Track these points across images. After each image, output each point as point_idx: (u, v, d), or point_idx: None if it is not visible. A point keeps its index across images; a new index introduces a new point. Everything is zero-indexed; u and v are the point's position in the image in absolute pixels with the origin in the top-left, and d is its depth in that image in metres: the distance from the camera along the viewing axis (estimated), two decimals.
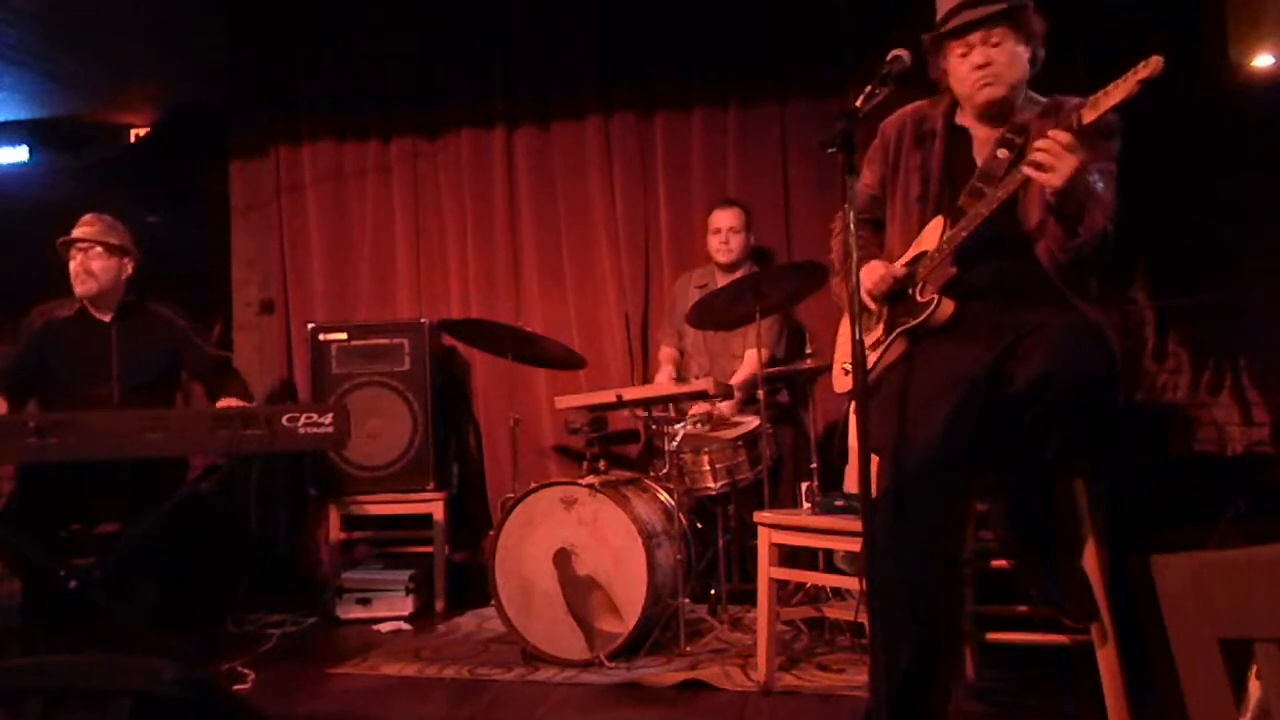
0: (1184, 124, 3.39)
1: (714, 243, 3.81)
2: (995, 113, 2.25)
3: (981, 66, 2.19)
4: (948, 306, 2.17)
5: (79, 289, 3.30)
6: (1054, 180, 1.93)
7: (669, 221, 4.26)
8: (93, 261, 3.29)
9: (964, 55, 2.21)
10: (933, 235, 2.23)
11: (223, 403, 3.21)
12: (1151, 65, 1.84)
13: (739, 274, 3.63)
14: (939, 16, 2.27)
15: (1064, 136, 1.92)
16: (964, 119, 2.32)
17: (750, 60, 4.18)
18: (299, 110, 4.61)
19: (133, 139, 5.26)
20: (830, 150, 1.81)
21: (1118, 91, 1.90)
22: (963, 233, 2.14)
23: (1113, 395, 2.06)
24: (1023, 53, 2.20)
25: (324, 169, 4.59)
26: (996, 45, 2.18)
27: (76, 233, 3.32)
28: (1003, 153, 2.19)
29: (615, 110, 4.32)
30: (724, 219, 3.79)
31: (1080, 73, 2.32)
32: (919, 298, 2.21)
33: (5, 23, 4.00)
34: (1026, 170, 1.98)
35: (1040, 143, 1.95)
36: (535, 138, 4.42)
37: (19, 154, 5.19)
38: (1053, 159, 1.92)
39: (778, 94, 4.17)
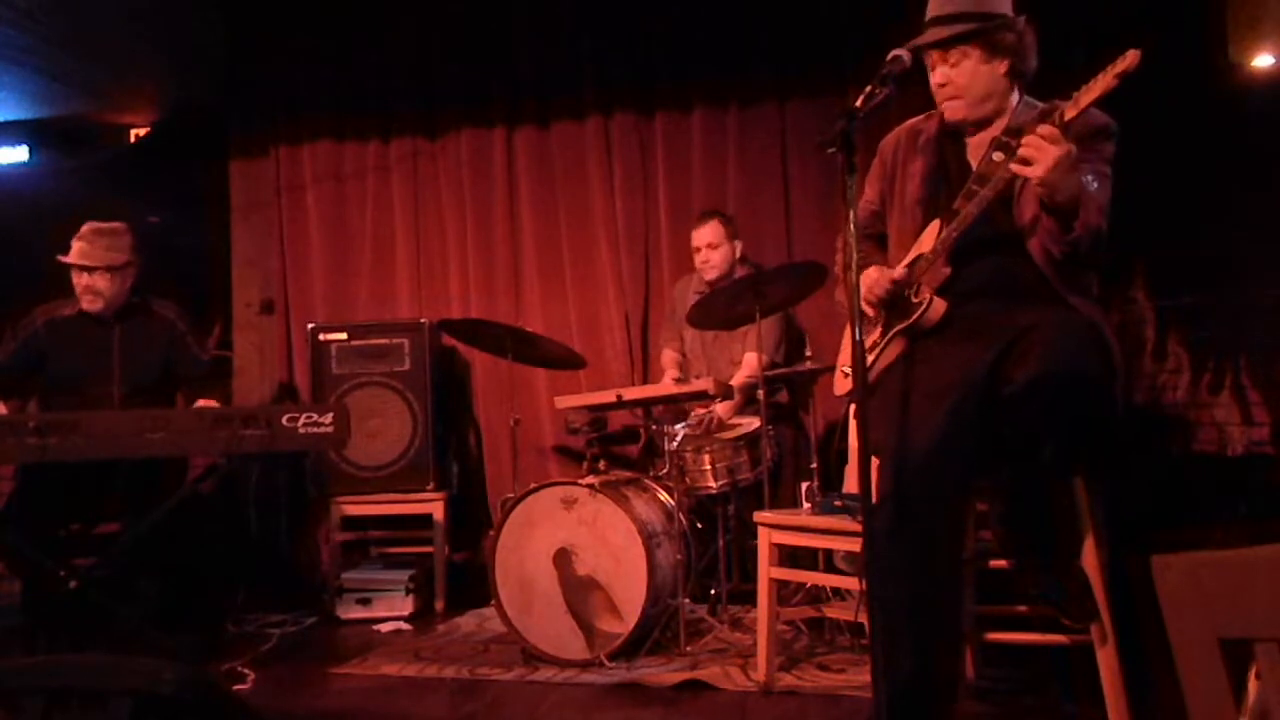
0: (1184, 124, 3.39)
1: (697, 260, 3.78)
2: (963, 129, 2.26)
3: (941, 85, 2.21)
4: (939, 306, 2.18)
5: (87, 307, 3.27)
6: (1036, 172, 1.93)
7: (669, 221, 4.26)
8: (98, 282, 3.24)
9: (933, 69, 2.23)
10: (930, 238, 2.24)
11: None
12: (1128, 59, 1.85)
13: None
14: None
15: (1046, 130, 1.93)
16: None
17: (750, 60, 4.18)
18: (299, 110, 4.61)
19: (133, 139, 5.26)
20: (830, 150, 1.81)
21: (1096, 87, 1.91)
22: (955, 233, 2.14)
23: (1111, 395, 2.06)
24: (992, 68, 2.19)
25: (324, 169, 4.58)
26: (954, 65, 2.19)
27: (78, 255, 3.23)
28: (998, 155, 2.19)
29: (615, 110, 4.32)
30: (701, 236, 3.74)
31: (1080, 74, 2.31)
32: (913, 299, 2.22)
33: (5, 22, 4.00)
34: (1013, 167, 1.99)
35: (1025, 138, 1.96)
36: (535, 138, 4.41)
37: (19, 154, 5.19)
38: (1034, 152, 1.93)
39: (778, 94, 4.17)
